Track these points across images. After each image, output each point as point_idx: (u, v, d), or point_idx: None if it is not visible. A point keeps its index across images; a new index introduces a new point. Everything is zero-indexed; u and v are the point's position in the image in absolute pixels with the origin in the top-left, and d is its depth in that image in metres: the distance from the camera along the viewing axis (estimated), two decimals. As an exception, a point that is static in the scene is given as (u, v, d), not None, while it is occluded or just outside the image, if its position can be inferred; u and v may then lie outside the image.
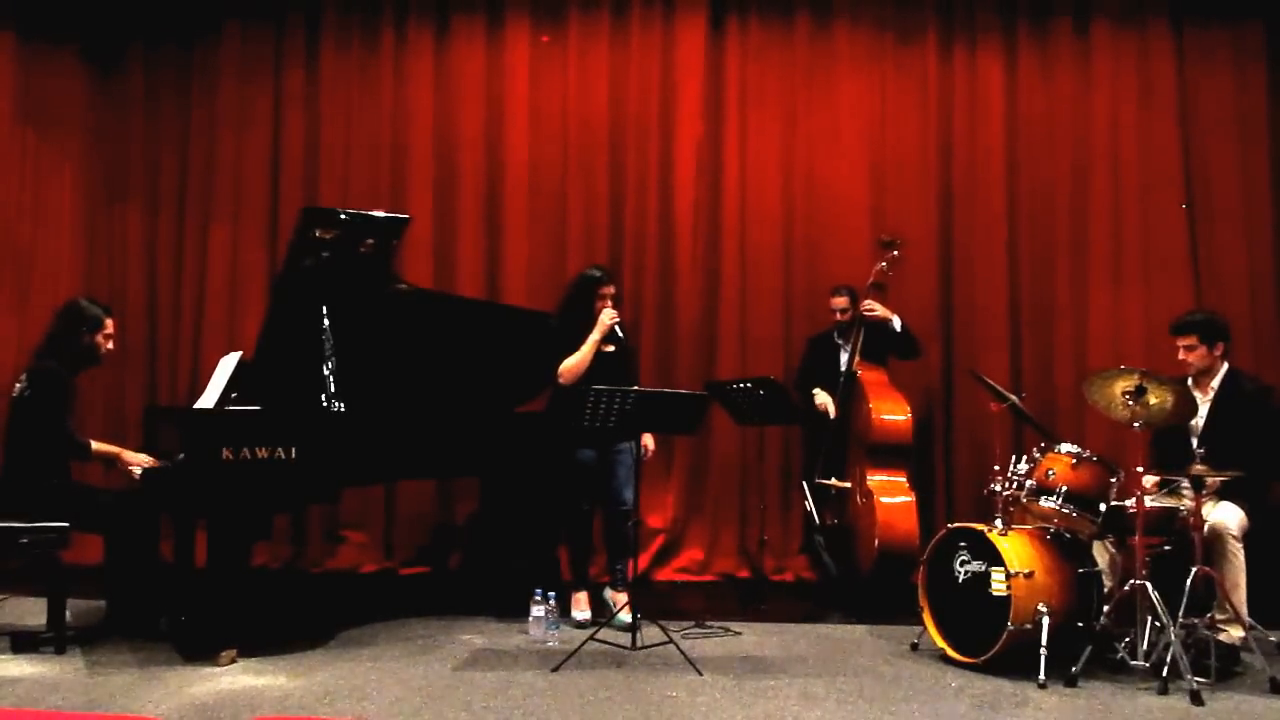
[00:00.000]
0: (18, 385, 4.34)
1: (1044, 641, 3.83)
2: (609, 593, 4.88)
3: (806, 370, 5.64)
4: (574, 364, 4.73)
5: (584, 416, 4.12)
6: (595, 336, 4.74)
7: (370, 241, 4.55)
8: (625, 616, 4.40)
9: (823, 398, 5.39)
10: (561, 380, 4.75)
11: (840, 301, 5.52)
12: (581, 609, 4.76)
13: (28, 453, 4.28)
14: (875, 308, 5.33)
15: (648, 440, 4.89)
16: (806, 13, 6.10)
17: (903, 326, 5.37)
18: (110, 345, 4.50)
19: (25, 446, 4.28)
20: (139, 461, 4.36)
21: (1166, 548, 4.09)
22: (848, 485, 5.26)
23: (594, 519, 4.90)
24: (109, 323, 4.46)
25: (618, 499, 4.74)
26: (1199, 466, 3.93)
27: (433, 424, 4.58)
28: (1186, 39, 5.95)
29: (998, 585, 3.94)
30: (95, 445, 4.38)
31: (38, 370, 4.32)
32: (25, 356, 4.52)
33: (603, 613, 4.75)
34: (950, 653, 4.09)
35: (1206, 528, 3.97)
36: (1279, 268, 5.83)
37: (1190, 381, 4.37)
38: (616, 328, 4.78)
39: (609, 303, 4.82)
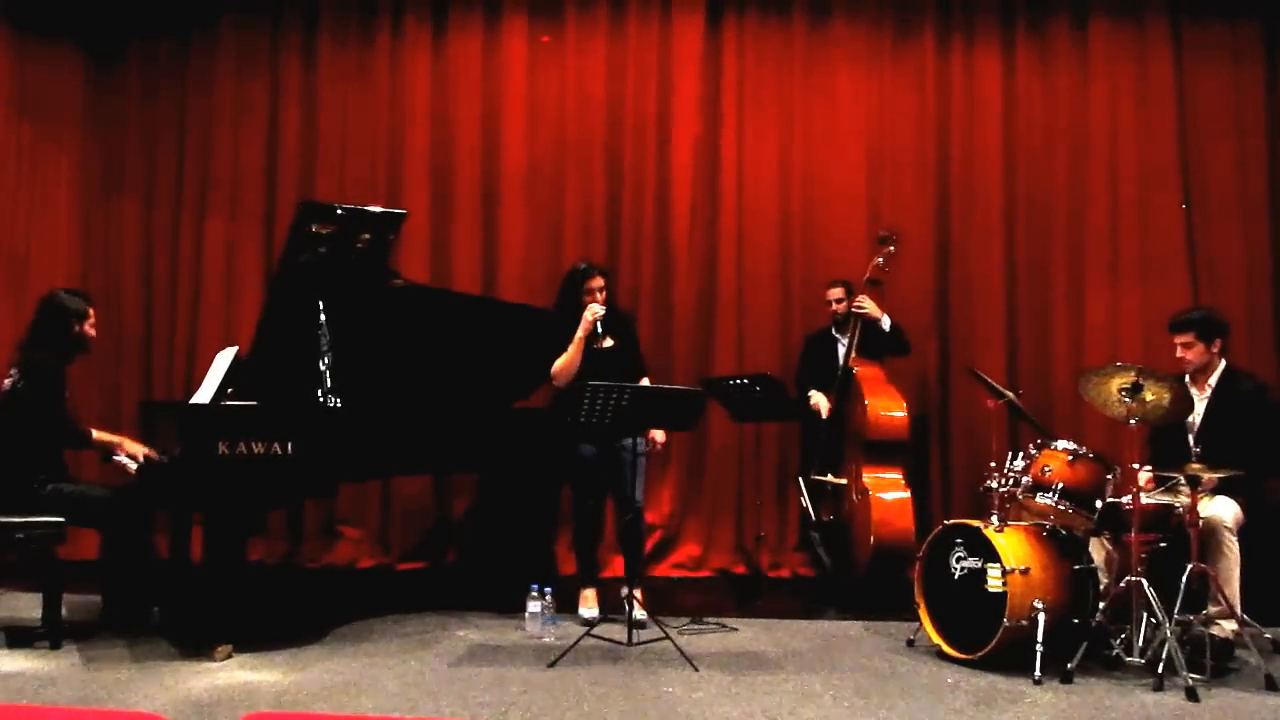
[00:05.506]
0: (8, 380, 4.33)
1: (1040, 638, 3.83)
2: (585, 592, 4.75)
3: (805, 368, 5.64)
4: (560, 366, 4.65)
5: (581, 413, 4.09)
6: (579, 335, 4.61)
7: (367, 236, 4.55)
8: (640, 614, 4.39)
9: (816, 397, 5.39)
10: (555, 383, 4.68)
11: (836, 293, 5.51)
12: (589, 606, 4.67)
13: (20, 445, 4.26)
14: (865, 305, 5.32)
15: (657, 434, 4.80)
16: (804, 9, 6.09)
17: (892, 326, 5.35)
18: (93, 333, 4.51)
19: (18, 439, 4.27)
20: (140, 451, 4.35)
21: (1162, 544, 4.09)
22: (843, 481, 5.25)
23: (601, 514, 4.83)
24: (91, 311, 4.47)
25: (629, 501, 4.62)
26: (1195, 464, 3.93)
27: (429, 419, 4.57)
28: (1184, 36, 5.95)
29: (994, 581, 3.95)
30: (96, 434, 4.39)
31: (29, 362, 4.30)
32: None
33: (607, 610, 4.66)
34: (946, 649, 4.09)
35: (1202, 522, 3.97)
36: (1276, 265, 5.84)
37: (1187, 379, 4.37)
38: (598, 325, 4.60)
39: (595, 296, 4.65)
